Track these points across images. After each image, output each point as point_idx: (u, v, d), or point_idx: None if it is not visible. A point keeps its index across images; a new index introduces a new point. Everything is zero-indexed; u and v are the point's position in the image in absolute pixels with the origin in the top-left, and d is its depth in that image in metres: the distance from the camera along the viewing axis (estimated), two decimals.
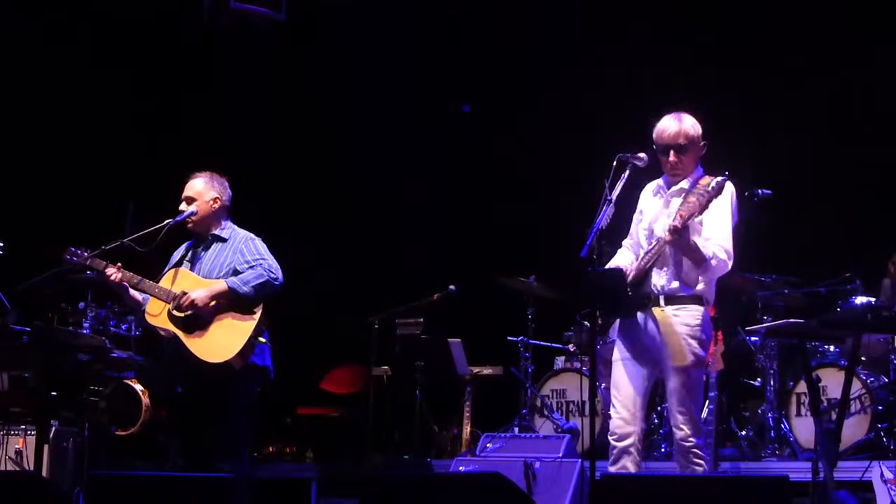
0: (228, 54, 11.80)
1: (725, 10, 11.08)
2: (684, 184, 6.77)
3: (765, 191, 8.71)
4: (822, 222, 10.34)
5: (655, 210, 6.85)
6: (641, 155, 6.71)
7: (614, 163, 6.62)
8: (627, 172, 6.67)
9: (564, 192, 10.53)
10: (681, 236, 6.47)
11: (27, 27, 11.37)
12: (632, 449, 6.69)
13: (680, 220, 6.45)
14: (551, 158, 11.60)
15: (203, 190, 7.49)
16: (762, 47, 10.89)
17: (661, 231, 6.66)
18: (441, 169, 12.27)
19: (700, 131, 6.79)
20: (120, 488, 5.86)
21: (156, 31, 11.74)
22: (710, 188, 6.47)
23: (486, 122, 12.32)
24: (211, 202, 7.49)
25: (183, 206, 7.48)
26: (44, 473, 8.19)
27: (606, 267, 6.72)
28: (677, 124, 6.74)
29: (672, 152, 6.72)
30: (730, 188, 6.72)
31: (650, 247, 6.72)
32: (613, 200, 6.54)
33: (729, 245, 6.64)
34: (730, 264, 6.66)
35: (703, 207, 6.46)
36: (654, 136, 6.79)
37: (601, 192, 6.54)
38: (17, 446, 8.89)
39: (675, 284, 6.66)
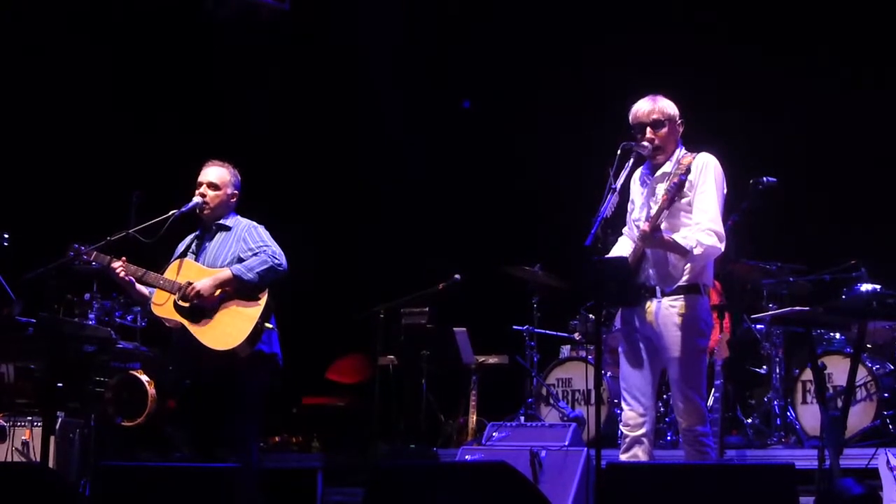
0: (233, 45, 11.79)
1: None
2: (667, 167, 6.74)
3: (770, 178, 8.69)
4: (827, 209, 10.33)
5: (641, 199, 6.86)
6: (645, 144, 6.71)
7: (618, 152, 6.61)
8: (631, 161, 6.67)
9: (569, 181, 10.52)
10: (653, 238, 6.46)
11: (33, 20, 11.38)
12: (644, 439, 6.69)
13: (649, 224, 6.45)
14: (555, 147, 11.58)
15: (228, 180, 7.56)
16: (765, 31, 10.87)
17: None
18: (445, 158, 12.27)
19: (676, 111, 6.78)
20: (126, 479, 5.87)
21: (161, 21, 11.73)
22: (674, 181, 6.45)
23: (491, 112, 12.30)
24: (230, 194, 7.56)
25: (204, 190, 7.50)
26: (50, 464, 8.21)
27: (610, 255, 6.73)
28: (651, 103, 6.76)
29: (649, 129, 6.71)
30: (713, 162, 6.71)
31: (636, 243, 6.72)
32: (618, 189, 6.52)
33: (718, 225, 6.59)
34: (721, 245, 6.59)
35: (671, 202, 6.45)
36: (630, 117, 6.80)
37: (606, 180, 6.54)
38: (23, 437, 8.91)
39: (667, 276, 6.65)
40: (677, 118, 6.78)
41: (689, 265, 6.61)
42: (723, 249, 6.64)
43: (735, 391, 9.50)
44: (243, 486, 6.69)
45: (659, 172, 6.77)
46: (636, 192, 6.90)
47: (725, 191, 6.75)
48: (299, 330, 8.53)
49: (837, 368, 8.89)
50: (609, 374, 9.63)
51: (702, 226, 6.56)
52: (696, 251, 6.50)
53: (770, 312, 8.37)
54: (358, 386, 11.72)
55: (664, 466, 6.46)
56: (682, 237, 6.52)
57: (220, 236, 7.50)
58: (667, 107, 6.76)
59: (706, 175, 6.62)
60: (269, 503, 8.63)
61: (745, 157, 9.19)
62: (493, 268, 10.15)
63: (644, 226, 6.47)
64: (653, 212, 6.64)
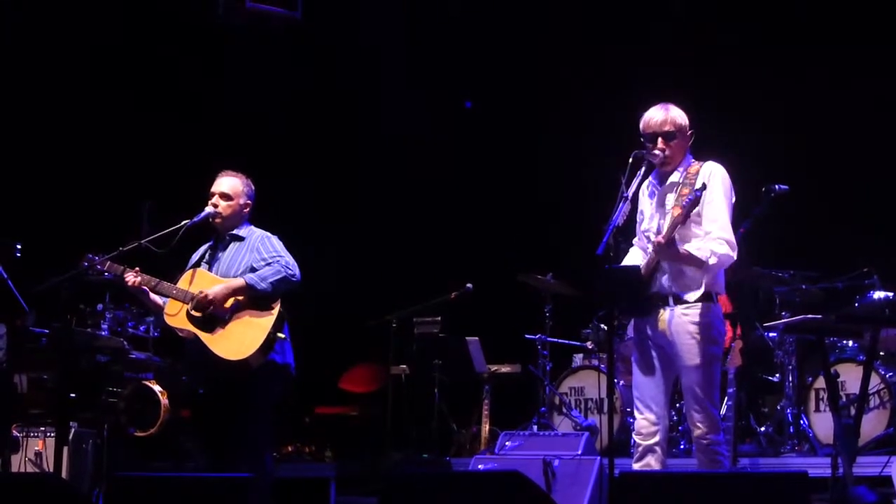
0: (244, 53, 11.80)
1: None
2: (676, 176, 6.75)
3: (781, 186, 8.68)
4: (839, 217, 10.31)
5: (651, 210, 6.86)
6: (656, 153, 6.71)
7: (630, 160, 6.61)
8: (643, 169, 6.68)
9: (581, 189, 10.51)
10: (668, 251, 6.47)
11: (41, 29, 11.40)
12: (657, 447, 6.70)
13: (664, 237, 6.45)
14: (567, 155, 11.58)
15: (241, 190, 7.55)
16: (774, 36, 10.86)
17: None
18: (457, 166, 12.27)
19: (687, 121, 6.79)
20: (139, 489, 5.86)
21: (173, 30, 11.75)
22: (689, 197, 6.45)
23: (504, 119, 12.30)
24: (243, 204, 7.56)
25: (216, 200, 7.50)
26: (63, 475, 8.20)
27: (622, 265, 6.73)
28: (664, 112, 6.75)
29: (660, 140, 6.71)
30: (720, 171, 6.72)
31: (650, 253, 6.71)
32: (629, 197, 6.53)
33: (729, 234, 6.61)
34: (733, 254, 6.61)
35: (686, 217, 6.46)
36: (641, 126, 6.79)
37: (617, 188, 6.53)
38: (36, 448, 8.92)
39: (680, 285, 6.64)
40: (688, 128, 6.79)
41: (702, 274, 6.60)
42: (735, 257, 6.64)
43: (748, 399, 9.48)
44: (257, 495, 6.69)
45: (668, 182, 6.77)
46: (645, 202, 6.91)
47: (734, 199, 6.76)
48: (312, 339, 8.54)
49: (850, 376, 8.87)
50: (622, 382, 9.62)
51: (713, 235, 6.57)
52: (711, 261, 6.52)
53: (783, 321, 8.37)
54: (370, 395, 11.72)
55: (677, 475, 6.44)
56: (696, 248, 6.52)
57: (233, 246, 7.50)
58: (678, 117, 6.76)
59: (713, 184, 6.62)
60: None
61: (757, 164, 9.19)
62: (505, 276, 10.20)
63: (659, 238, 6.47)
64: (663, 222, 6.63)
